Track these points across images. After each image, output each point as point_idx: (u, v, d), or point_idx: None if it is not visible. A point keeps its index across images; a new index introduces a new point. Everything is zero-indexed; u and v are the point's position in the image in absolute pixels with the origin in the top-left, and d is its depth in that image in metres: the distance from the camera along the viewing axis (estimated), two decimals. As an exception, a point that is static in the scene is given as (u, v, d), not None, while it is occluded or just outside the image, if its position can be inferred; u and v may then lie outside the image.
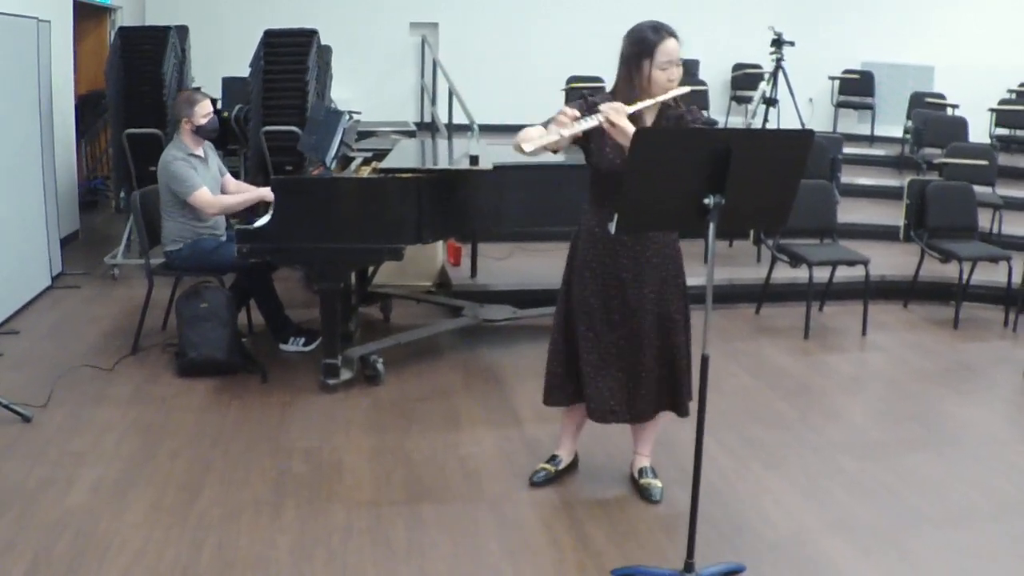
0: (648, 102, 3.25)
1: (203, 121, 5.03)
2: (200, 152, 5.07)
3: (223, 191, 5.17)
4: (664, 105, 3.33)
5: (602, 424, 3.59)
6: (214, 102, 5.41)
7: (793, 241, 6.17)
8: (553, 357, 3.59)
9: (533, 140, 3.17)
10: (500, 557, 3.20)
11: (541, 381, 3.67)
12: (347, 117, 5.33)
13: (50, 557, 3.06)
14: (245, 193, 5.17)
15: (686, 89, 3.31)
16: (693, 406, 3.20)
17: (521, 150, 3.18)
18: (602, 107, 3.19)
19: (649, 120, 3.34)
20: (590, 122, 3.19)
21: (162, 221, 5.02)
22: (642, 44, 3.26)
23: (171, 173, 4.89)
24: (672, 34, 3.27)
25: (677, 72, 3.27)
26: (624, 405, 3.50)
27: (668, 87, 3.26)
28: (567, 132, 3.17)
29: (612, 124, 3.14)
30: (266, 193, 4.90)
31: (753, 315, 6.25)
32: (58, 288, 6.14)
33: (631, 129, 3.07)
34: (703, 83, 10.16)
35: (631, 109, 3.20)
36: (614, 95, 3.34)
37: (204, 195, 4.89)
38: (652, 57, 3.23)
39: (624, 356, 3.46)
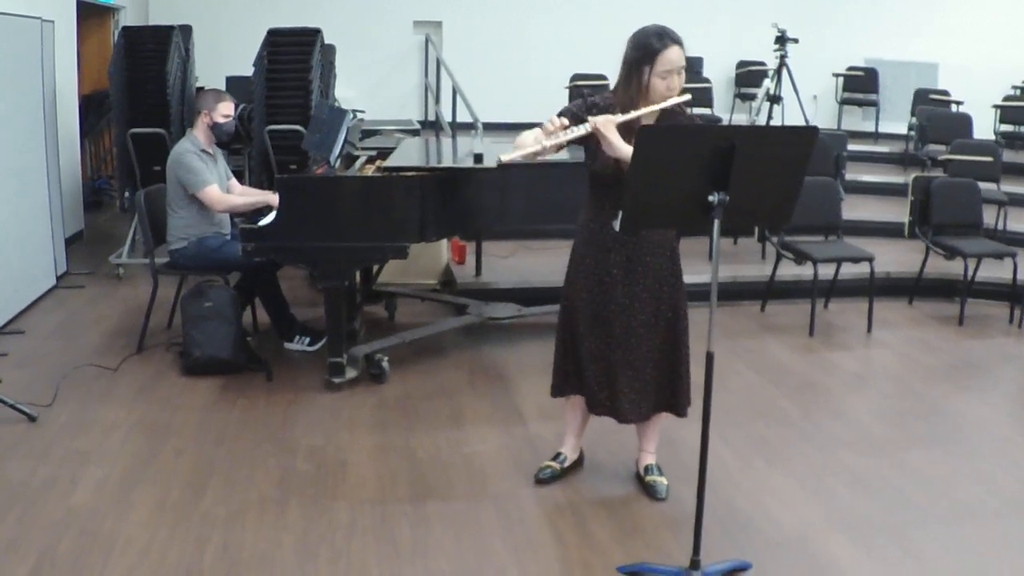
0: (643, 110, 3.22)
1: (222, 120, 5.05)
2: (211, 150, 5.09)
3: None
4: (666, 111, 3.28)
5: (599, 418, 3.61)
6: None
7: (798, 238, 6.16)
8: (557, 350, 3.62)
9: (521, 148, 3.25)
10: (505, 555, 3.20)
11: (546, 378, 3.69)
12: (351, 116, 5.33)
13: (54, 556, 3.07)
14: (252, 195, 5.20)
15: (684, 98, 3.25)
16: (697, 404, 3.17)
17: (500, 160, 3.30)
18: (591, 119, 3.20)
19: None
20: (577, 132, 3.22)
21: (168, 217, 5.02)
22: (644, 50, 3.22)
23: (184, 165, 4.90)
24: (676, 41, 3.21)
25: (678, 80, 3.23)
26: (611, 401, 3.51)
27: (667, 95, 3.22)
28: (549, 143, 3.23)
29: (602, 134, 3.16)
30: (273, 199, 4.91)
31: (758, 312, 6.24)
32: (63, 288, 6.15)
33: (618, 142, 3.14)
34: (707, 80, 10.16)
35: (622, 119, 3.20)
36: (614, 96, 3.34)
37: (215, 191, 4.92)
38: (652, 65, 3.20)
39: (614, 353, 3.45)
